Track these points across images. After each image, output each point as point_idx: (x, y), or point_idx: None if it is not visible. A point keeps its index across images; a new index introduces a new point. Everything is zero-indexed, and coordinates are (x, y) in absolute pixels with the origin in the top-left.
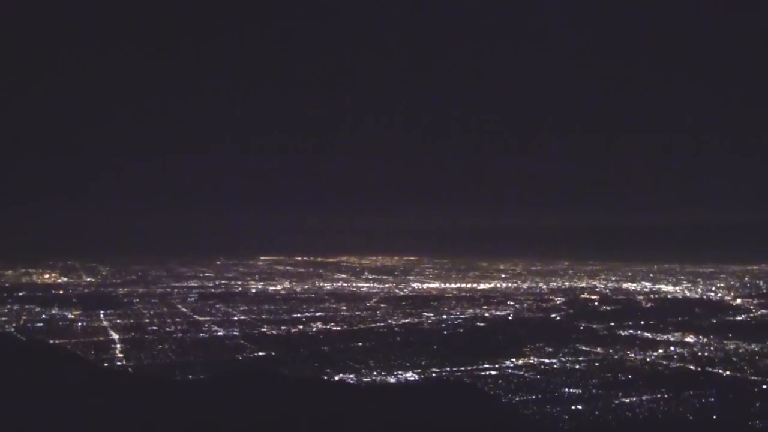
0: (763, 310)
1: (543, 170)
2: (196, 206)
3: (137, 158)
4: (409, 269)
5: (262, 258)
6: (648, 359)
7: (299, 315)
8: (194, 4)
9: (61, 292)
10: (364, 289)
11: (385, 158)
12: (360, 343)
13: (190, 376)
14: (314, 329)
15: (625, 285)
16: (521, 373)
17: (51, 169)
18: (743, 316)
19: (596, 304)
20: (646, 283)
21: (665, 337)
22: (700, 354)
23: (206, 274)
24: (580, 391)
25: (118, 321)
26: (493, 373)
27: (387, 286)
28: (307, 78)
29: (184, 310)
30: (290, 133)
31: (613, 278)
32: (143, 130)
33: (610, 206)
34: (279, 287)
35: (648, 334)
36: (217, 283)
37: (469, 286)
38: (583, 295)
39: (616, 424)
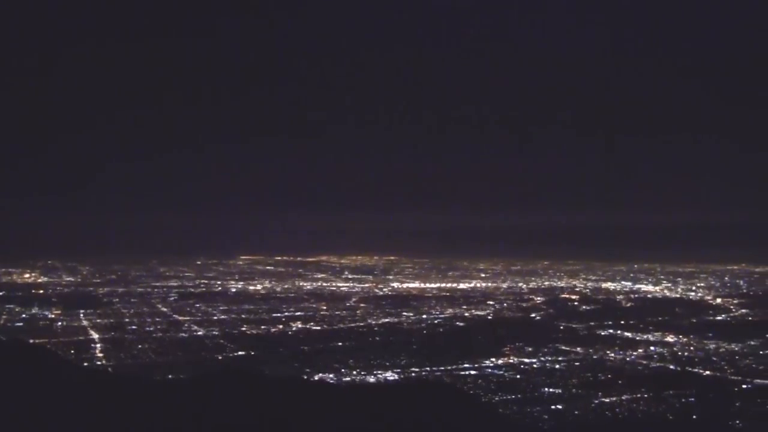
0: (743, 310)
1: (522, 170)
2: (176, 206)
3: (117, 158)
4: (389, 269)
5: (242, 257)
6: (628, 359)
7: (279, 314)
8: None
9: (41, 291)
10: (344, 288)
11: (365, 158)
12: (340, 343)
13: (170, 376)
14: (294, 329)
15: (605, 284)
16: (501, 372)
17: (30, 167)
18: (723, 315)
19: (576, 303)
20: (626, 283)
21: (645, 336)
22: (680, 354)
23: (186, 274)
24: (560, 391)
25: (98, 320)
26: (473, 372)
27: (367, 285)
28: (284, 77)
29: (164, 309)
30: (270, 133)
31: (593, 278)
32: (121, 129)
33: (590, 206)
34: (259, 287)
35: (628, 334)
36: (197, 282)
37: (449, 285)
38: (563, 295)
39: (596, 423)
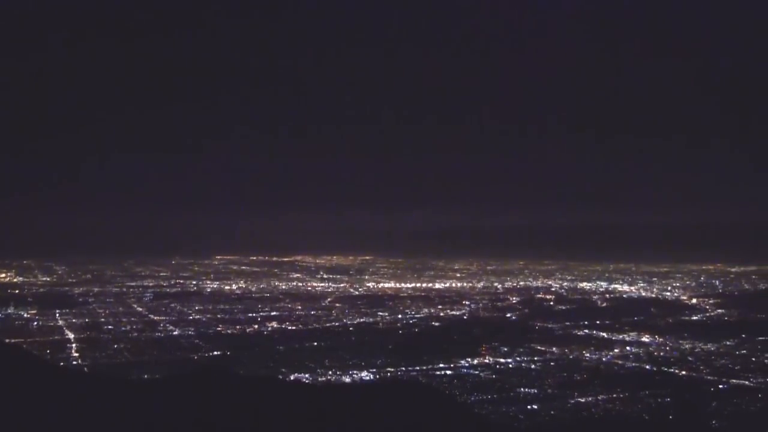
0: (719, 310)
1: (498, 170)
2: (152, 206)
3: (94, 159)
4: (364, 269)
5: (218, 257)
6: (604, 359)
7: (254, 314)
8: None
9: (16, 291)
10: (319, 288)
11: (341, 158)
12: (315, 343)
13: (145, 376)
14: (269, 328)
15: (580, 284)
16: (477, 372)
17: (5, 168)
18: (699, 315)
19: (552, 303)
20: (602, 283)
21: (621, 336)
22: (655, 354)
23: (162, 274)
24: (536, 391)
25: (74, 320)
26: (448, 372)
27: (342, 285)
28: (267, 77)
29: (140, 309)
30: (247, 135)
31: (569, 278)
32: (96, 130)
33: (565, 206)
34: (234, 286)
35: (604, 334)
36: (172, 282)
37: (424, 285)
38: (538, 295)
39: (571, 424)
